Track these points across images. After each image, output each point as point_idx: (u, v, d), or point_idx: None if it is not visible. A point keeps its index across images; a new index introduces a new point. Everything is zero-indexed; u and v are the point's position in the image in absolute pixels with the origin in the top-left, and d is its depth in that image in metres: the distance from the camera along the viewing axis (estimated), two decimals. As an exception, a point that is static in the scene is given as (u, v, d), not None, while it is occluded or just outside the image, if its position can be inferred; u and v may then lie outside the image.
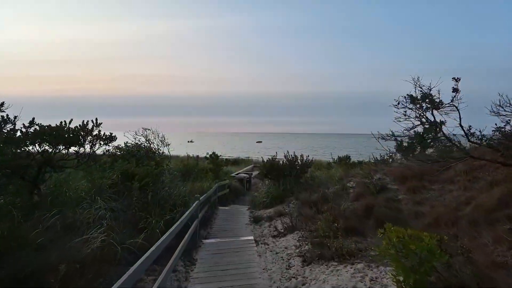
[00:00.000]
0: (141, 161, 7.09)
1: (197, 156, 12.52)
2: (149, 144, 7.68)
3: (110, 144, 6.85)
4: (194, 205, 5.40)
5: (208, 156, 12.43)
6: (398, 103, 5.42)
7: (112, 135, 6.95)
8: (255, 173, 18.32)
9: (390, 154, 13.42)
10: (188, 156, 11.57)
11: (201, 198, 6.01)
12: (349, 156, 18.28)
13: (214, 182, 9.53)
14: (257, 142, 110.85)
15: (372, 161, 13.75)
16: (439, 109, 5.35)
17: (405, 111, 5.35)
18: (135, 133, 7.79)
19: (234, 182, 13.60)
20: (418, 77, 5.32)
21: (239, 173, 15.67)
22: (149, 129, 7.96)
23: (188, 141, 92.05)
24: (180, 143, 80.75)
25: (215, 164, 11.89)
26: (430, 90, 5.21)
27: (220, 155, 13.76)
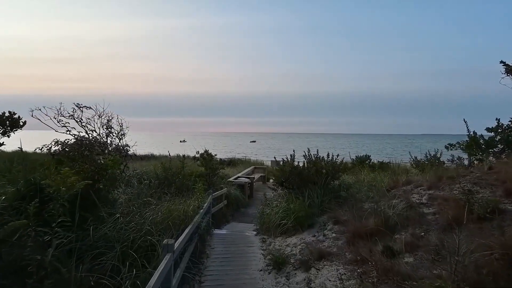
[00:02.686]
0: (75, 164, 3.91)
1: (183, 156, 9.30)
2: (88, 135, 4.45)
3: (10, 133, 3.66)
4: (159, 271, 2.26)
5: (198, 156, 9.22)
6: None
7: (15, 116, 3.74)
8: (256, 176, 15.22)
9: (435, 155, 10.52)
10: (170, 157, 8.35)
11: (177, 245, 2.86)
12: (369, 156, 15.38)
13: (206, 195, 6.37)
14: (250, 142, 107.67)
15: (413, 162, 10.87)
16: None
17: None
18: (59, 112, 4.45)
19: (233, 190, 10.44)
20: None
21: (239, 177, 12.53)
22: (89, 107, 4.65)
23: (180, 141, 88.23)
24: (172, 143, 77.01)
25: (208, 167, 8.73)
26: None
27: (215, 155, 10.56)
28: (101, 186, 3.71)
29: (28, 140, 4.60)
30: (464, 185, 4.97)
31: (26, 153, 5.96)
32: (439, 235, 4.32)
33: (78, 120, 4.41)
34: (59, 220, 2.59)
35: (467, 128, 6.86)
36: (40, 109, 4.09)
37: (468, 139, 6.99)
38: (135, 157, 7.27)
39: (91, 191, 3.51)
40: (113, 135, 4.82)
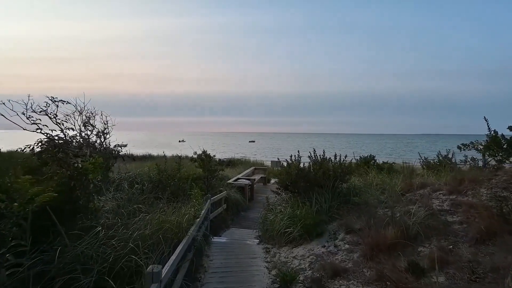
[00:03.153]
0: (48, 168, 3.34)
1: (180, 157, 8.72)
2: (64, 134, 3.88)
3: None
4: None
5: (196, 157, 8.63)
6: None
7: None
8: (257, 177, 14.64)
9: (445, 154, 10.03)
10: (166, 158, 7.77)
11: (165, 272, 2.29)
12: (374, 156, 14.83)
13: (203, 200, 5.81)
14: (249, 141, 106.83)
15: (423, 163, 10.32)
16: None
17: None
18: (29, 106, 3.83)
19: (233, 192, 9.87)
20: None
21: (239, 178, 11.95)
22: (67, 102, 4.03)
23: (179, 141, 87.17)
24: (171, 142, 76.03)
25: (206, 169, 8.15)
26: None
27: (214, 155, 9.98)
28: (79, 194, 3.15)
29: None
30: (496, 191, 4.43)
31: (12, 154, 5.41)
32: (470, 249, 3.78)
33: (52, 117, 3.83)
34: (12, 244, 2.04)
35: (488, 127, 6.31)
36: (4, 103, 3.50)
37: (487, 138, 6.44)
38: (128, 157, 6.68)
39: (67, 201, 2.94)
40: (100, 135, 4.22)
